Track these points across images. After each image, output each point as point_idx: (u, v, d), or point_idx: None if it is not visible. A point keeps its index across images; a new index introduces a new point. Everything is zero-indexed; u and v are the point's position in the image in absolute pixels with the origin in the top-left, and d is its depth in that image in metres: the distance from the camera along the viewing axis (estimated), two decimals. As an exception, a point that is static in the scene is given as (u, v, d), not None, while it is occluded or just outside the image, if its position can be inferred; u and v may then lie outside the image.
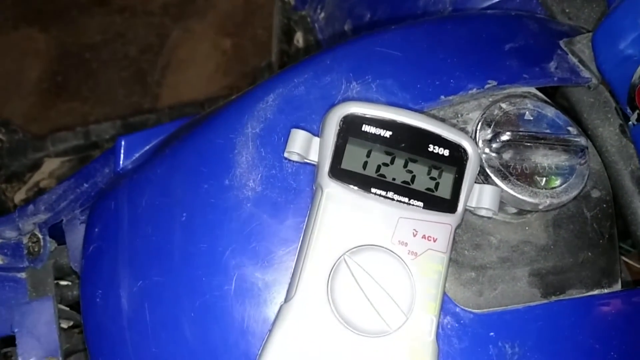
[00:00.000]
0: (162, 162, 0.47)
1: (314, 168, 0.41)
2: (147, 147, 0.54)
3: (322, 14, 0.83)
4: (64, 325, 0.61)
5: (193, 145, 0.46)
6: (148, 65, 1.58)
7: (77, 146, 1.21)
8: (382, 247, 0.37)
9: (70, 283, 0.63)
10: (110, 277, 0.45)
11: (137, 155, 0.54)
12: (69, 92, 1.54)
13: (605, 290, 0.43)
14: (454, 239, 0.39)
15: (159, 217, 0.44)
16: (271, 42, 1.10)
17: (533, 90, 0.47)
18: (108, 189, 0.51)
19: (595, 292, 0.43)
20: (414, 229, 0.38)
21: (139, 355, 0.42)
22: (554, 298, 0.42)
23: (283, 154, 0.41)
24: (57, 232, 0.60)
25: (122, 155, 0.53)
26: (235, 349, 0.39)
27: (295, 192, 0.41)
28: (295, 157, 0.40)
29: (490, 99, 0.45)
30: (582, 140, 0.42)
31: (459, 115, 0.45)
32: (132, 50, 1.59)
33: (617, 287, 0.44)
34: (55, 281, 0.60)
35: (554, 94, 0.51)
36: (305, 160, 0.40)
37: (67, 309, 0.62)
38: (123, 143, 0.54)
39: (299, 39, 0.92)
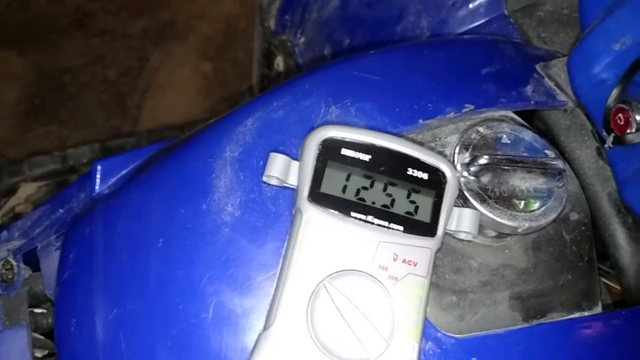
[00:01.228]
0: (138, 186, 0.46)
1: (293, 192, 0.41)
2: (124, 172, 0.53)
3: (302, 39, 0.84)
4: (38, 354, 0.60)
5: (170, 169, 0.45)
6: (127, 88, 1.57)
7: (54, 171, 1.19)
8: (363, 272, 0.37)
9: (45, 311, 0.61)
10: (85, 305, 0.44)
11: (113, 180, 0.53)
12: (46, 116, 1.53)
13: (586, 313, 0.43)
14: (434, 262, 0.39)
15: (134, 243, 0.43)
16: (252, 66, 1.10)
17: (510, 114, 0.47)
18: (83, 215, 0.50)
19: (576, 315, 0.43)
20: (394, 253, 0.37)
21: (113, 386, 0.41)
22: (535, 322, 0.42)
23: (262, 178, 0.41)
24: (31, 259, 0.59)
25: (98, 180, 0.53)
26: (212, 378, 0.38)
27: (275, 216, 0.41)
28: (274, 181, 0.40)
29: (468, 123, 0.46)
30: (560, 164, 0.43)
31: (437, 139, 0.45)
32: (111, 74, 1.59)
33: (598, 309, 0.44)
34: (30, 309, 0.58)
35: (531, 118, 0.52)
36: (285, 185, 0.40)
37: (42, 337, 0.60)
38: (99, 168, 0.53)
39: (279, 63, 0.92)
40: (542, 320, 0.42)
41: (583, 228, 0.46)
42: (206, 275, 0.40)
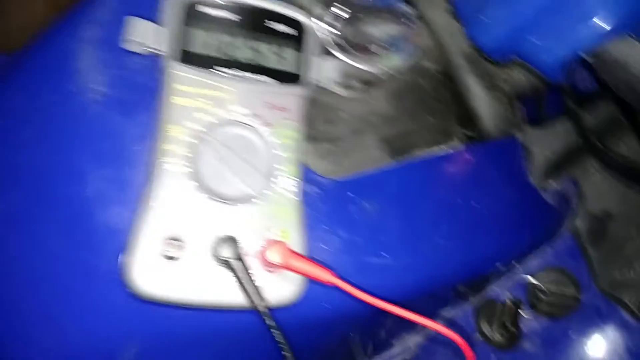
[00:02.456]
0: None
1: (158, 60, 0.40)
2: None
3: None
4: None
5: (30, 61, 0.43)
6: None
7: None
8: (238, 121, 0.38)
9: None
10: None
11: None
12: None
13: (445, 147, 0.48)
14: (305, 112, 0.41)
15: (3, 138, 0.42)
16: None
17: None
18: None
19: (437, 149, 0.48)
20: (266, 102, 0.39)
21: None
22: (401, 158, 0.46)
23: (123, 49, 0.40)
24: None
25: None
26: (103, 250, 0.38)
27: (143, 89, 0.40)
28: (135, 47, 0.39)
29: None
30: (411, 10, 0.46)
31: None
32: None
33: (455, 144, 0.49)
34: None
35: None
36: (147, 49, 0.40)
37: None
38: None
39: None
40: (407, 156, 0.46)
41: (438, 76, 0.50)
42: (81, 154, 0.39)
